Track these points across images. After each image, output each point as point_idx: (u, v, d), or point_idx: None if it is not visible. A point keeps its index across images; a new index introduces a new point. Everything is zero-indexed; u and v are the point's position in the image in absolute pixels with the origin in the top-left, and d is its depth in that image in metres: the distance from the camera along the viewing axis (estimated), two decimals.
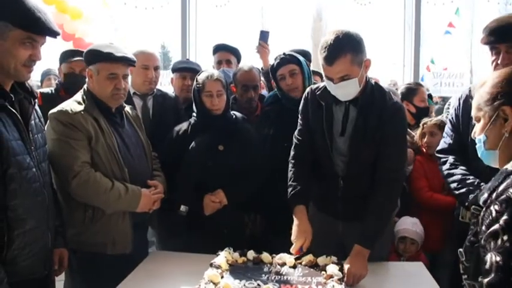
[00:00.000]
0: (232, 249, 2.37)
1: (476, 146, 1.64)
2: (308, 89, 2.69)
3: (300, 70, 3.08)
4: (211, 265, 2.19)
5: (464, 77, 6.02)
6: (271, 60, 3.36)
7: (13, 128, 1.96)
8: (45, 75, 5.35)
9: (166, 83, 5.41)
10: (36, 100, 2.16)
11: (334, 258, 2.28)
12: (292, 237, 2.44)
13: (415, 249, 3.09)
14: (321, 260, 2.27)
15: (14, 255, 1.94)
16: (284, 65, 3.08)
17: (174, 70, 3.84)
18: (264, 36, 3.91)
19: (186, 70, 3.70)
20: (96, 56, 2.57)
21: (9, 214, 1.90)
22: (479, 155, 1.64)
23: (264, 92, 3.84)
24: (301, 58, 3.12)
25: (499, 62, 2.52)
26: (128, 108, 2.84)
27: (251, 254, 2.34)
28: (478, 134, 1.60)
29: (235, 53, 4.21)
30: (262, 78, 3.85)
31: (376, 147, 2.48)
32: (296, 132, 2.75)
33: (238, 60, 4.21)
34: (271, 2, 10.47)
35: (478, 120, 1.61)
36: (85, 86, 2.67)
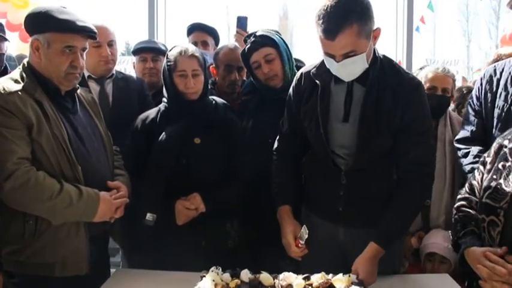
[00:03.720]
0: (220, 269, 1.83)
1: None
2: (299, 72, 2.26)
3: (276, 53, 2.56)
4: None
5: (459, 64, 5.70)
6: None
7: None
8: None
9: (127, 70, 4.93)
10: None
11: (353, 277, 1.78)
12: (284, 242, 2.12)
13: (446, 270, 2.55)
14: (338, 281, 1.76)
15: None
16: (256, 50, 2.55)
17: (134, 52, 3.35)
18: (241, 22, 3.45)
19: (146, 51, 3.23)
20: (47, 24, 2.00)
21: None
22: None
23: None
24: (276, 38, 2.59)
25: None
26: (81, 90, 2.27)
27: (246, 274, 1.81)
28: None
29: (213, 33, 3.79)
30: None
31: (391, 134, 2.04)
32: (281, 120, 2.33)
33: (216, 43, 3.79)
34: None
35: None
36: (25, 61, 2.10)
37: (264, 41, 2.56)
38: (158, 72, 3.13)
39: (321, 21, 1.85)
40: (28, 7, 6.04)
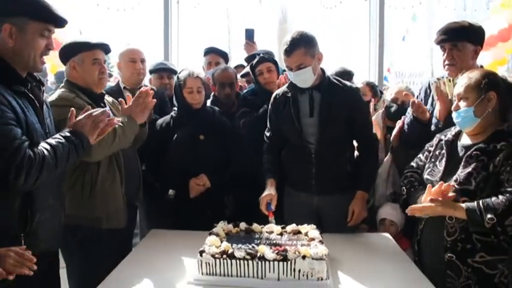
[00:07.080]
0: (226, 222, 2.67)
1: (459, 114, 2.36)
2: (274, 93, 3.17)
3: (275, 68, 3.60)
4: (210, 234, 2.48)
5: (424, 76, 6.55)
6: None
7: (32, 112, 2.06)
8: None
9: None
10: (44, 88, 2.27)
11: (313, 226, 2.62)
12: (260, 199, 2.91)
13: (394, 231, 3.22)
14: (303, 228, 2.60)
15: (36, 228, 2.07)
16: (262, 62, 3.58)
17: (152, 71, 4.14)
18: (249, 34, 4.31)
19: (164, 70, 4.07)
20: (77, 47, 2.77)
21: (33, 191, 2.04)
22: (459, 120, 2.37)
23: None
24: (275, 58, 3.70)
25: (444, 58, 2.88)
26: (106, 96, 2.97)
27: (243, 225, 2.65)
28: (466, 106, 2.33)
29: (224, 56, 4.58)
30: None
31: (340, 124, 2.96)
32: (266, 131, 3.20)
33: (226, 63, 4.54)
34: (236, 4, 10.57)
35: (465, 98, 2.34)
36: (65, 79, 2.83)
37: (268, 58, 3.64)
38: (171, 87, 3.89)
39: (283, 47, 2.84)
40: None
